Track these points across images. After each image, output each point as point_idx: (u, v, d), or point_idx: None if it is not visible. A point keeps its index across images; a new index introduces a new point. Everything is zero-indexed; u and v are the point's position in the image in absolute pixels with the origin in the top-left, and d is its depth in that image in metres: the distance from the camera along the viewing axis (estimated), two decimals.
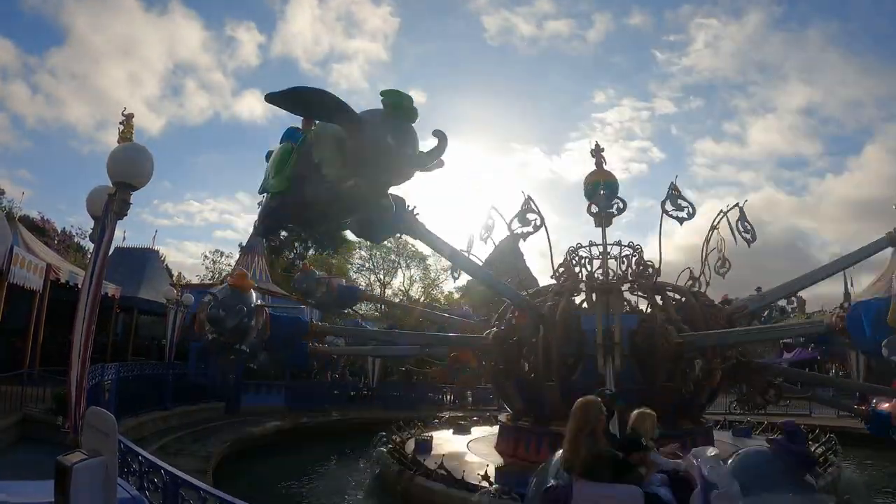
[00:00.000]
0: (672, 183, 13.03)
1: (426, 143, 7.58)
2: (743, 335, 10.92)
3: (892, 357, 6.79)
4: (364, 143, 6.74)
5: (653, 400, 10.94)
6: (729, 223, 12.82)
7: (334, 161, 6.96)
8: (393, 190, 8.04)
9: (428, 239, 9.88)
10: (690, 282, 13.03)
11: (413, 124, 7.15)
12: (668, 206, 12.83)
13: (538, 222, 12.86)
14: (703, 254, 13.34)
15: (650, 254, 13.40)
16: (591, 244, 13.26)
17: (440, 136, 7.22)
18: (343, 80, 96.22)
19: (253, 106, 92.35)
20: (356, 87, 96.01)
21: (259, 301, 12.72)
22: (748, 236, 12.55)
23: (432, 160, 7.37)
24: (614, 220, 12.79)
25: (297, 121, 7.99)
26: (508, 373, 12.01)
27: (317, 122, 7.72)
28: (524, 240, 12.92)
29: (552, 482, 5.50)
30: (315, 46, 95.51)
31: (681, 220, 12.85)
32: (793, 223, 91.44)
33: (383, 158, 6.81)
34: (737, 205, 12.85)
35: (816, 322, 8.98)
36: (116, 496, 3.51)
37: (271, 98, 6.39)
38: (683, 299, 12.37)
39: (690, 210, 12.85)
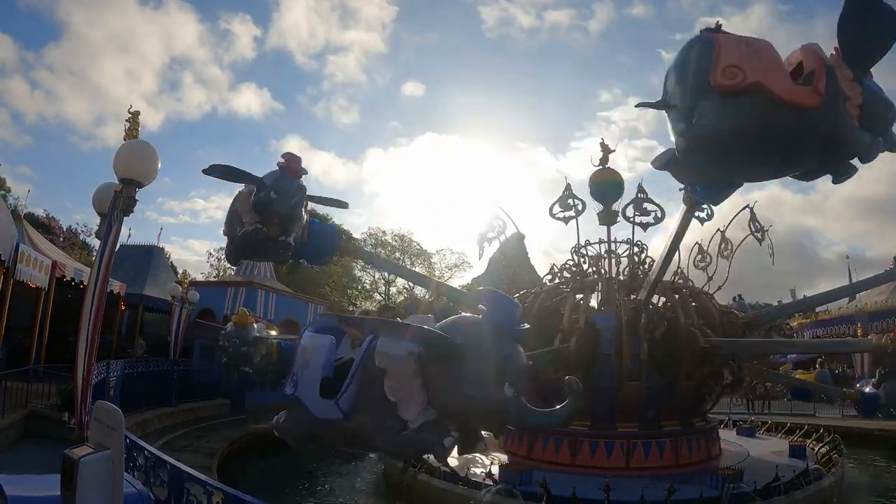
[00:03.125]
0: (639, 185, 13.01)
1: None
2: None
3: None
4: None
5: (671, 399, 11.04)
6: (752, 220, 12.88)
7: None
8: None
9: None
10: (681, 281, 12.99)
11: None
12: (631, 212, 12.75)
13: (579, 207, 13.12)
14: (717, 252, 13.31)
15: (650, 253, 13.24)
16: (600, 241, 13.30)
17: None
18: (339, 73, 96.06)
19: (250, 101, 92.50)
20: (353, 79, 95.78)
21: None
22: (759, 235, 12.67)
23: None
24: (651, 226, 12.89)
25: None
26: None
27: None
28: (566, 223, 13.24)
29: None
30: (311, 39, 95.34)
31: (645, 227, 12.77)
32: (799, 221, 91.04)
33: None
34: (748, 206, 13.00)
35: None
36: (123, 490, 3.53)
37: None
38: (694, 303, 12.28)
39: (658, 214, 12.72)
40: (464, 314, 5.70)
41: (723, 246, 13.36)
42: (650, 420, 11.04)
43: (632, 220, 12.82)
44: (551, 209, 13.36)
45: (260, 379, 15.73)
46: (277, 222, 9.20)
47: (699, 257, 12.93)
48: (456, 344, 4.95)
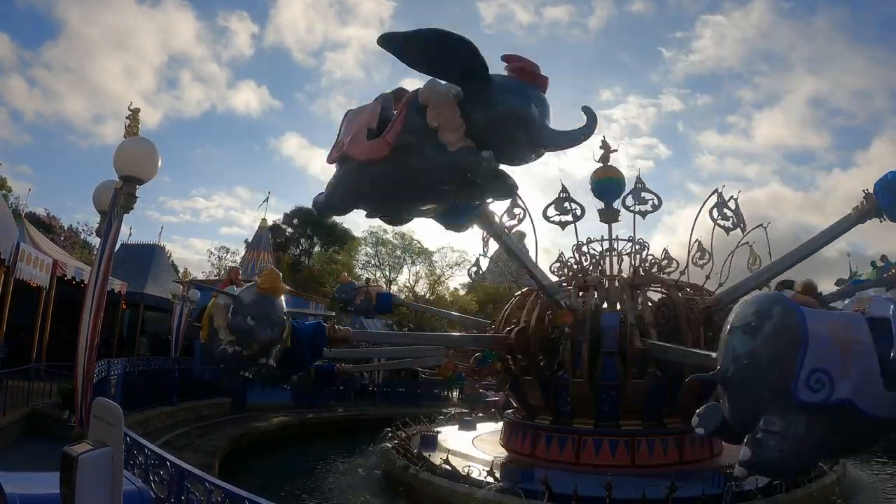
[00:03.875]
0: (638, 176, 13.19)
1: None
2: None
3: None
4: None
5: (676, 395, 11.02)
6: (718, 206, 12.64)
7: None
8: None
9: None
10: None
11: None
12: (630, 201, 12.93)
13: (578, 212, 13.07)
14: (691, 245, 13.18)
15: (652, 251, 13.20)
16: (601, 239, 13.28)
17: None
18: (337, 69, 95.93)
19: (248, 98, 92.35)
20: (351, 75, 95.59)
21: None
22: (728, 224, 12.22)
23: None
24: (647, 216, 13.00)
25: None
26: (528, 370, 11.97)
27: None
28: (563, 228, 13.20)
29: None
30: (308, 35, 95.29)
31: (644, 214, 12.96)
32: (800, 219, 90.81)
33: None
34: (716, 191, 12.54)
35: None
36: (122, 487, 3.51)
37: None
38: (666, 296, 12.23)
39: (655, 202, 12.97)
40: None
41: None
42: (654, 418, 11.03)
43: (631, 209, 12.98)
44: (545, 212, 13.24)
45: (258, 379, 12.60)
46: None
47: (699, 254, 12.79)
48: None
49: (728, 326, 6.02)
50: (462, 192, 6.78)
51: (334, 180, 7.22)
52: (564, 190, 13.23)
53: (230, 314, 8.29)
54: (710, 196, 12.60)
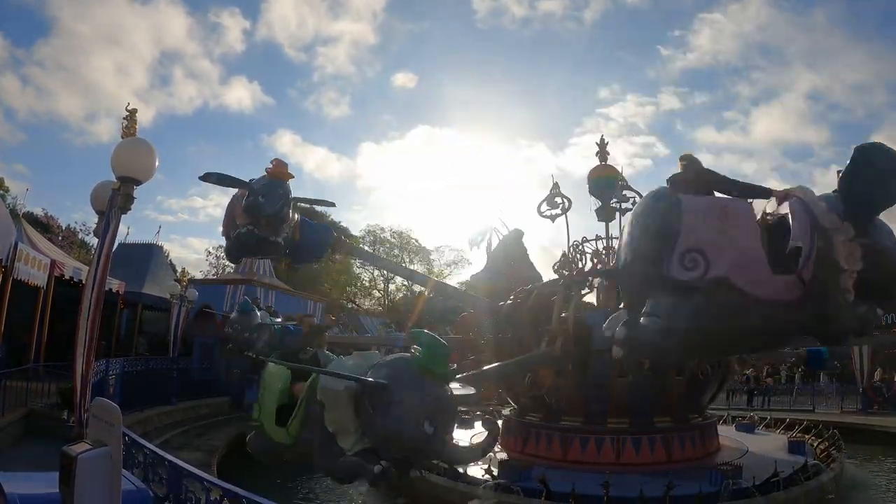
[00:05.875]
0: (619, 173, 13.49)
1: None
2: None
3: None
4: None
5: (664, 394, 11.03)
6: None
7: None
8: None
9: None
10: None
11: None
12: (544, 207, 13.48)
13: (566, 205, 13.45)
14: None
15: None
16: (596, 238, 13.31)
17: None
18: (329, 64, 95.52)
19: (241, 95, 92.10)
20: (343, 70, 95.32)
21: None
22: None
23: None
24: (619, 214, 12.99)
25: None
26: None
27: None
28: (553, 221, 13.65)
29: None
30: (299, 30, 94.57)
31: (553, 218, 13.42)
32: None
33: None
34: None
35: None
36: (121, 486, 3.53)
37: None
38: None
39: (566, 205, 13.38)
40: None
41: None
42: (643, 416, 11.03)
43: (543, 214, 13.55)
44: (539, 207, 13.70)
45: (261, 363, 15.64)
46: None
47: None
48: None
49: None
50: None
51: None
52: (556, 186, 13.57)
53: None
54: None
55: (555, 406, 11.38)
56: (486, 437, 6.10)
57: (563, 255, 13.62)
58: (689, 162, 6.60)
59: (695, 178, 6.36)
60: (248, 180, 9.96)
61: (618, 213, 13.25)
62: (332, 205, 11.26)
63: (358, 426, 5.58)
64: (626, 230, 6.16)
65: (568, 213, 13.52)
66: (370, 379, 5.41)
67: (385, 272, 48.15)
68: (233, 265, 28.73)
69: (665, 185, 6.47)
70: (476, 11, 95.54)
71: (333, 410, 5.66)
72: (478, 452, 6.25)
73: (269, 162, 9.81)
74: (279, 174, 9.86)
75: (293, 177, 10.12)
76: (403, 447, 5.42)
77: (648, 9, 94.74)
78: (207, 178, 9.55)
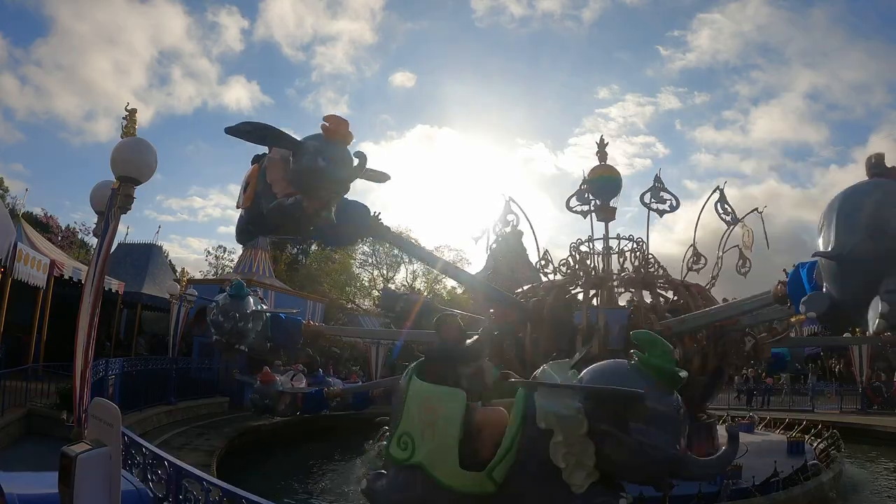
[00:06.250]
0: (656, 175, 13.37)
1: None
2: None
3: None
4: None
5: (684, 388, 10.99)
6: (720, 202, 12.77)
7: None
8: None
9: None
10: (713, 282, 12.84)
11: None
12: (648, 199, 13.22)
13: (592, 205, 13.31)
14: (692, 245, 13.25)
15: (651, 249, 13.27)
16: (591, 238, 13.29)
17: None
18: (327, 63, 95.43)
19: (239, 95, 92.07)
20: (341, 69, 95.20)
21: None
22: (728, 218, 12.61)
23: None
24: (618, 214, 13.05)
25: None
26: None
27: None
28: (585, 217, 13.50)
29: None
30: (298, 29, 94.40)
31: (661, 213, 13.21)
32: (797, 215, 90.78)
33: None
34: (718, 188, 12.94)
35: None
36: (120, 486, 3.53)
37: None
38: (680, 300, 12.16)
39: (673, 203, 13.18)
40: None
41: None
42: None
43: (649, 205, 13.21)
44: (568, 202, 13.64)
45: (257, 356, 15.58)
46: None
47: (693, 259, 12.85)
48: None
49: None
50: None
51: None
52: (658, 180, 13.43)
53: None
54: (712, 193, 12.92)
55: None
56: (728, 445, 5.10)
57: (572, 255, 13.64)
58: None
59: None
60: (296, 138, 8.06)
61: (649, 213, 13.30)
62: (388, 178, 9.19)
63: (594, 456, 4.58)
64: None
65: (564, 214, 13.55)
66: (625, 388, 4.52)
67: (384, 271, 48.22)
68: (232, 265, 28.76)
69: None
70: (475, 10, 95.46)
71: (568, 438, 4.58)
72: (718, 464, 5.17)
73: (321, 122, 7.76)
74: (340, 134, 7.79)
75: (353, 138, 8.15)
76: (661, 468, 4.60)
77: (647, 8, 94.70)
78: (236, 131, 7.57)
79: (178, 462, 4.47)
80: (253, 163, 8.89)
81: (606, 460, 4.58)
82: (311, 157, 7.57)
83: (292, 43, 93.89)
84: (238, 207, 9.04)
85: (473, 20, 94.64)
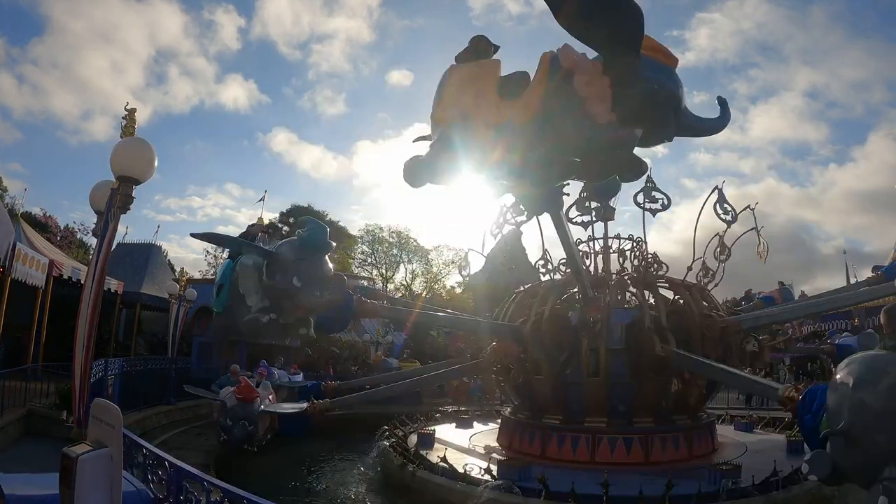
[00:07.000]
0: (648, 175, 13.21)
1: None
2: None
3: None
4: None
5: (642, 395, 11.02)
6: (720, 202, 12.77)
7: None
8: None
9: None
10: (707, 279, 12.83)
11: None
12: (641, 199, 13.27)
13: (665, 202, 13.36)
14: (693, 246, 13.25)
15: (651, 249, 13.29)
16: (591, 238, 13.31)
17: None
18: (324, 62, 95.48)
19: (236, 93, 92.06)
20: (338, 68, 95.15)
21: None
22: (728, 217, 12.60)
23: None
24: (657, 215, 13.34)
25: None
26: (502, 369, 12.30)
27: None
28: (653, 215, 13.52)
29: None
30: (294, 27, 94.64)
31: (653, 212, 13.28)
32: (796, 215, 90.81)
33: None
34: (717, 188, 12.91)
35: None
36: (121, 487, 3.53)
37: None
38: (681, 300, 12.14)
39: (665, 202, 13.28)
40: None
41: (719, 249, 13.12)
42: (621, 416, 11.01)
43: (642, 206, 13.24)
44: (635, 198, 13.55)
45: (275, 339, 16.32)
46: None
47: (718, 249, 12.81)
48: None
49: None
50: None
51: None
52: (650, 180, 13.43)
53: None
54: (711, 193, 12.86)
55: (574, 407, 11.34)
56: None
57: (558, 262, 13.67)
58: None
59: None
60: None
61: (644, 213, 13.31)
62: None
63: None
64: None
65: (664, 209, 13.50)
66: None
67: (384, 271, 48.18)
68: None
69: None
70: (472, 8, 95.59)
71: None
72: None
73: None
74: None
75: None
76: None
77: (646, 8, 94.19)
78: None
79: (179, 462, 4.47)
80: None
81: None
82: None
83: (289, 41, 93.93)
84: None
85: (471, 18, 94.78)
